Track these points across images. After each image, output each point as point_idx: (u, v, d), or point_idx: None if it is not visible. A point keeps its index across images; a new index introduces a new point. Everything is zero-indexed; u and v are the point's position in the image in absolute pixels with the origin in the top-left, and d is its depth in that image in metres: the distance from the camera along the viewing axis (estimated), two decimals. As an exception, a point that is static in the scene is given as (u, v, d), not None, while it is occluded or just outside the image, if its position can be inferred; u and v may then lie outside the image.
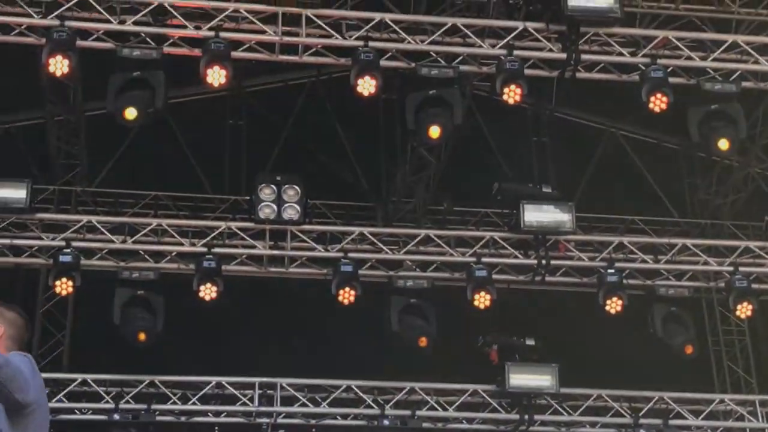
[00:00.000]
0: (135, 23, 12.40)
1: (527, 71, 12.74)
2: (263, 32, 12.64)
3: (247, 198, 14.34)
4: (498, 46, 12.86)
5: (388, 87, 13.06)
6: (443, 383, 14.31)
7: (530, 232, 13.92)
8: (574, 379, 14.23)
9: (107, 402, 13.73)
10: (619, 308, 13.79)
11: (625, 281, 13.96)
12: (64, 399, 13.72)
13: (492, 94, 13.03)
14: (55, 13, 12.20)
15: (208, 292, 13.36)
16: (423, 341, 13.47)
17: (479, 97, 14.85)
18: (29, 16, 12.23)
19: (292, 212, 13.59)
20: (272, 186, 13.61)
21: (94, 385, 13.84)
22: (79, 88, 14.27)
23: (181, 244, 13.86)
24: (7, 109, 15.66)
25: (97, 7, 12.36)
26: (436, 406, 14.17)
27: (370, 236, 14.21)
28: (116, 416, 13.55)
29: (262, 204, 13.58)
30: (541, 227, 13.87)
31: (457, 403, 14.22)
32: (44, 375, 14.96)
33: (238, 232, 13.97)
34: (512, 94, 12.56)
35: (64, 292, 13.41)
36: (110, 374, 13.93)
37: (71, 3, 12.29)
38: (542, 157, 15.55)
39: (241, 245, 13.97)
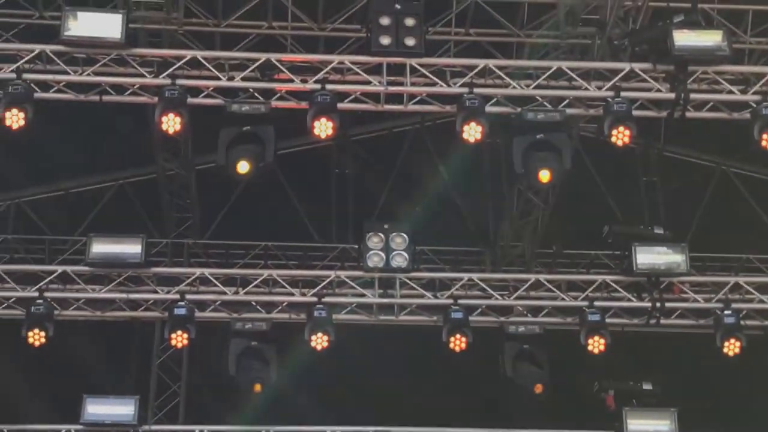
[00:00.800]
0: (243, 79, 12.62)
1: (635, 112, 12.58)
2: (368, 83, 12.73)
3: (355, 246, 14.39)
4: (605, 87, 12.74)
5: (492, 131, 13.00)
6: (559, 430, 14.11)
7: (643, 275, 13.74)
8: (694, 424, 13.91)
9: (224, 453, 13.91)
10: (737, 350, 13.49)
11: (742, 322, 13.66)
12: (182, 450, 13.93)
13: (599, 136, 12.90)
14: (167, 72, 12.48)
15: (319, 341, 13.42)
16: (539, 388, 13.33)
17: (586, 137, 14.71)
18: (141, 76, 12.54)
19: (400, 260, 13.64)
20: (380, 234, 13.67)
21: (210, 436, 14.01)
22: (189, 142, 14.58)
23: (292, 294, 13.99)
24: (120, 165, 16.08)
25: (207, 65, 12.62)
26: (553, 453, 14.00)
27: (479, 282, 14.16)
28: (233, 467, 13.72)
29: (371, 252, 13.64)
30: (655, 269, 13.69)
31: (575, 450, 14.03)
32: (161, 427, 15.20)
33: (348, 281, 14.05)
34: (621, 136, 12.42)
35: (179, 345, 13.59)
36: (226, 425, 14.04)
37: (182, 62, 12.58)
38: (652, 198, 15.33)
39: (350, 294, 14.04)
